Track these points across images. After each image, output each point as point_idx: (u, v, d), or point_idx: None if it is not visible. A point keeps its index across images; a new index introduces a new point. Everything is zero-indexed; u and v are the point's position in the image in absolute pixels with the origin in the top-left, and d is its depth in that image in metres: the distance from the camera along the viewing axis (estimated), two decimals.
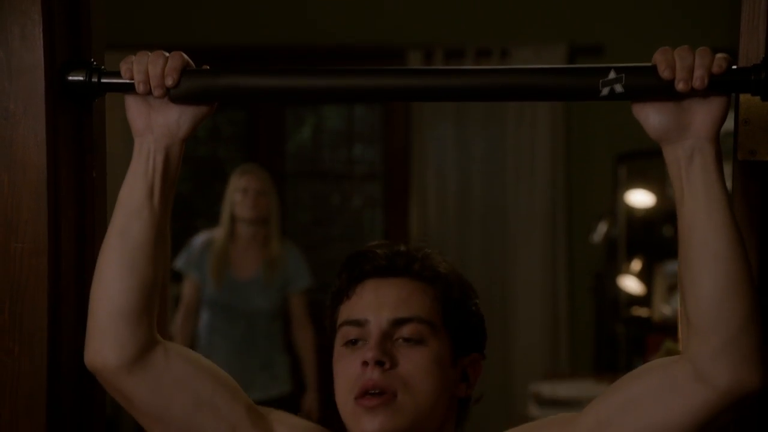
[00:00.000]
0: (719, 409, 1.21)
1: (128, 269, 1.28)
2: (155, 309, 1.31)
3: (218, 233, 3.83)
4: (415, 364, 1.30)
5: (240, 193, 3.80)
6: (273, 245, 3.81)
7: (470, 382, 1.38)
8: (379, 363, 1.29)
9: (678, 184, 1.24)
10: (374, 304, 1.33)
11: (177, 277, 5.08)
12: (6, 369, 1.34)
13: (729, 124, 1.30)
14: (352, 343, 1.33)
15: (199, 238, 3.88)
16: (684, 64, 1.21)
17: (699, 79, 1.21)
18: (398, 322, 1.32)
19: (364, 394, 1.29)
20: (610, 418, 1.26)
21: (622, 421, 1.25)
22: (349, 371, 1.31)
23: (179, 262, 3.82)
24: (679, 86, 1.21)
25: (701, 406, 1.21)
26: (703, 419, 1.22)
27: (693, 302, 1.22)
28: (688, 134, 1.23)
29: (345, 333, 1.34)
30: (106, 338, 1.28)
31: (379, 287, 1.34)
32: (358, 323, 1.33)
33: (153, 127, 1.31)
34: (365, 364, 1.29)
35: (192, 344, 3.77)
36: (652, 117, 1.24)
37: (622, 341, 4.82)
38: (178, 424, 1.31)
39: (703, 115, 1.23)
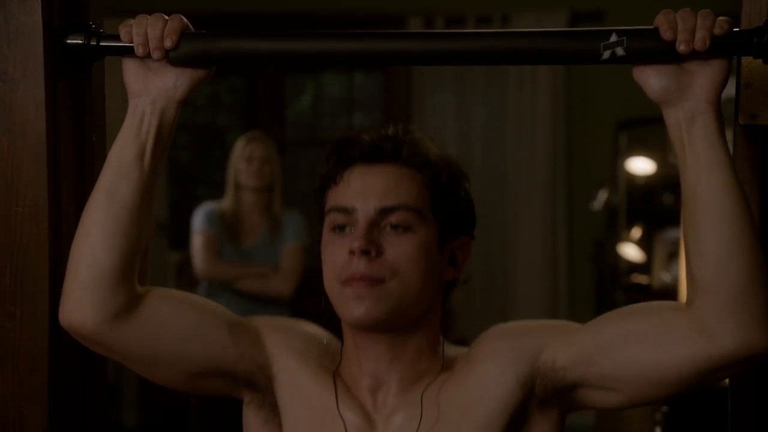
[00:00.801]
0: (722, 365, 1.21)
1: (113, 229, 1.28)
2: (136, 271, 1.31)
3: (225, 203, 3.83)
4: (401, 251, 1.31)
5: (244, 161, 3.80)
6: (275, 210, 3.82)
7: (458, 265, 1.38)
8: (365, 252, 1.30)
9: (680, 146, 1.24)
10: (361, 192, 1.33)
11: (175, 245, 5.08)
12: (8, 333, 1.35)
13: (730, 90, 1.29)
14: (339, 228, 1.33)
15: (205, 208, 3.87)
16: (686, 25, 1.21)
17: (701, 41, 1.20)
18: (385, 211, 1.32)
19: (351, 280, 1.30)
20: (609, 344, 1.27)
21: (620, 350, 1.26)
22: (337, 258, 1.32)
23: (196, 224, 3.80)
24: (681, 48, 1.21)
25: (703, 360, 1.21)
26: (703, 371, 1.23)
27: (698, 261, 1.22)
28: (689, 96, 1.23)
29: (332, 219, 1.34)
30: (86, 296, 1.27)
31: (366, 174, 1.34)
32: (346, 210, 1.33)
33: (150, 89, 1.31)
34: (352, 253, 1.30)
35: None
36: (652, 79, 1.24)
37: None
38: (169, 361, 1.33)
39: (704, 77, 1.22)
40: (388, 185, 1.33)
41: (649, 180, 4.97)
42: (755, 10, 1.31)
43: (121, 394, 5.12)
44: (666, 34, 1.21)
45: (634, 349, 1.25)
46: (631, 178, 4.98)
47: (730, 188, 1.20)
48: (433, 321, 1.36)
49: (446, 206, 1.36)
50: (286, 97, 5.49)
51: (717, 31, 1.21)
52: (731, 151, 1.26)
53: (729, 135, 1.31)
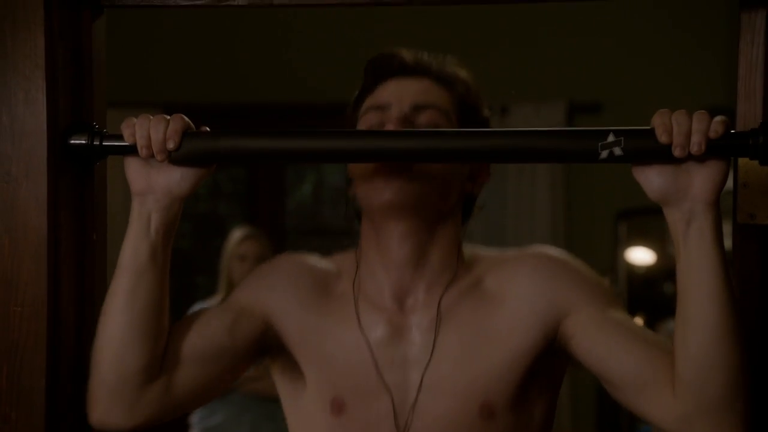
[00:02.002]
0: None
1: (137, 330, 1.29)
2: (161, 359, 1.32)
3: (218, 300, 3.82)
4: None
5: (238, 260, 3.81)
6: None
7: (477, 181, 1.45)
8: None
9: (677, 246, 1.25)
10: (396, 92, 1.40)
11: None
12: None
13: (729, 182, 1.30)
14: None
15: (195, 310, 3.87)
16: (681, 129, 1.22)
17: (696, 145, 1.21)
18: (418, 107, 1.38)
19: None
20: (608, 363, 1.31)
21: (613, 373, 1.31)
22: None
23: None
24: (676, 152, 1.22)
25: (668, 428, 1.25)
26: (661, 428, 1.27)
27: (682, 360, 1.24)
28: (687, 197, 1.23)
29: (367, 119, 1.39)
30: (116, 399, 1.29)
31: (401, 81, 1.41)
32: (380, 107, 1.39)
33: (154, 188, 1.32)
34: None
35: None
36: (651, 179, 1.25)
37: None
38: (209, 387, 1.36)
39: (702, 179, 1.23)
40: (420, 89, 1.40)
41: (649, 270, 4.96)
42: (750, 111, 1.33)
43: None
44: (662, 138, 1.22)
45: (622, 383, 1.29)
46: (632, 268, 4.97)
47: (717, 296, 1.21)
48: (455, 228, 1.40)
49: (471, 121, 1.42)
50: (287, 187, 5.52)
51: (712, 135, 1.21)
52: (729, 246, 1.27)
53: (728, 228, 1.32)
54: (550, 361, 1.37)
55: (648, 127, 1.25)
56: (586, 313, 1.34)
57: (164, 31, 4.97)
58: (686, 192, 1.23)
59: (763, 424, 1.30)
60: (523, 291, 1.36)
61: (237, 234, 3.89)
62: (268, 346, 1.40)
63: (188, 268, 5.59)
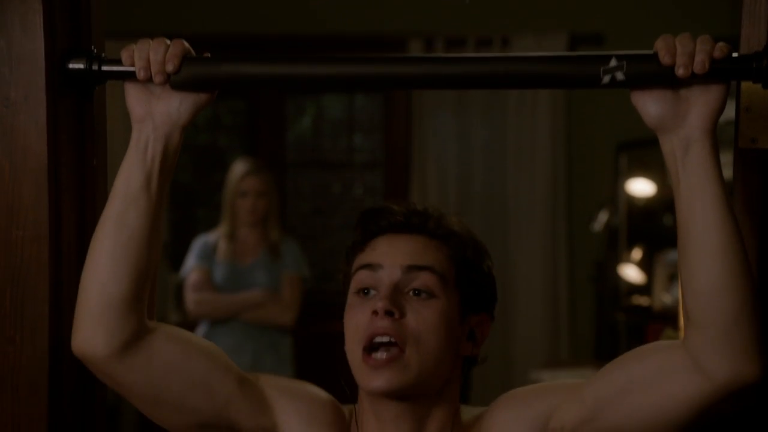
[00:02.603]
0: (716, 399, 1.22)
1: (122, 257, 1.28)
2: (146, 297, 1.31)
3: (222, 231, 3.86)
4: (423, 318, 1.32)
5: (239, 196, 3.83)
6: (273, 235, 3.86)
7: (477, 341, 1.39)
8: (388, 313, 1.30)
9: (674, 175, 1.24)
10: (388, 252, 1.35)
11: (176, 266, 5.10)
12: (8, 357, 1.35)
13: (730, 112, 1.29)
14: (364, 292, 1.34)
15: (198, 243, 3.90)
16: (685, 50, 1.21)
17: (700, 64, 1.20)
18: (411, 269, 1.33)
19: (372, 340, 1.30)
20: (610, 400, 1.28)
21: (620, 404, 1.27)
22: (359, 320, 1.32)
23: (189, 264, 3.84)
24: (680, 72, 1.21)
25: (697, 395, 1.22)
26: (698, 408, 1.23)
27: (690, 295, 1.23)
28: (684, 124, 1.23)
29: (359, 279, 1.35)
30: (97, 326, 1.27)
31: (394, 240, 1.36)
32: (372, 267, 1.34)
33: (153, 115, 1.31)
34: (375, 313, 1.31)
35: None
36: (649, 105, 1.24)
37: (623, 330, 4.83)
38: (173, 405, 1.32)
39: (700, 105, 1.22)
40: (415, 249, 1.35)
41: (649, 201, 4.97)
42: (754, 35, 1.32)
43: (121, 417, 5.10)
44: (665, 59, 1.22)
45: (633, 400, 1.26)
46: (632, 200, 4.98)
47: (721, 223, 1.21)
48: (453, 395, 1.37)
49: (469, 279, 1.37)
50: (287, 119, 5.50)
51: (716, 54, 1.21)
52: (730, 174, 1.27)
53: (728, 157, 1.32)
54: None
55: (649, 52, 1.24)
56: (568, 399, 1.31)
57: None
58: (684, 118, 1.23)
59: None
60: (501, 425, 1.34)
61: (238, 168, 3.90)
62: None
63: (188, 201, 5.60)
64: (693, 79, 1.22)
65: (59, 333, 1.36)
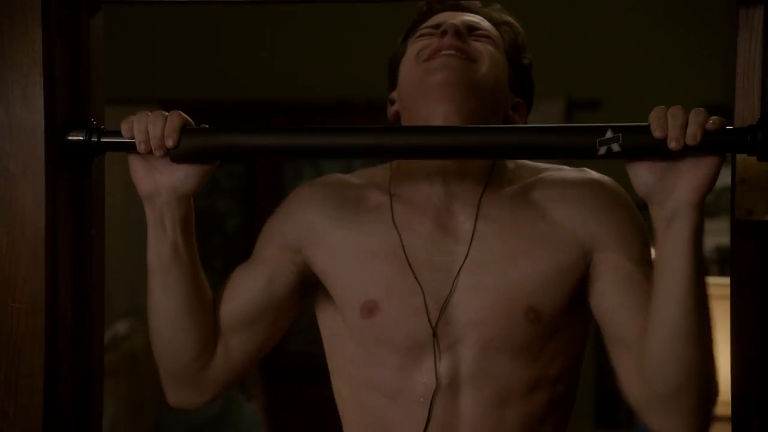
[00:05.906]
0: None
1: (182, 325, 1.35)
2: (214, 345, 1.38)
3: None
4: (487, 51, 1.38)
5: None
6: None
7: (520, 113, 1.43)
8: (457, 33, 1.35)
9: (657, 243, 1.27)
10: (451, 16, 1.40)
11: None
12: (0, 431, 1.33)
13: (726, 180, 1.30)
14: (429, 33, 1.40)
15: None
16: (676, 122, 1.22)
17: (692, 136, 1.21)
18: (472, 28, 1.39)
19: (437, 53, 1.35)
20: (602, 308, 1.34)
21: (604, 313, 1.34)
22: (424, 43, 1.39)
23: None
24: (671, 144, 1.22)
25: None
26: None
27: (644, 348, 1.27)
28: (671, 197, 1.24)
29: (418, 43, 1.40)
30: (184, 385, 1.39)
31: (456, 14, 1.42)
32: (434, 26, 1.39)
33: (159, 189, 1.33)
34: (443, 33, 1.36)
35: None
36: (640, 174, 1.25)
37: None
38: (284, 330, 1.42)
39: (689, 178, 1.23)
40: (475, 20, 1.41)
41: None
42: (748, 108, 1.33)
43: None
44: (655, 132, 1.22)
45: (617, 343, 1.33)
46: None
47: (682, 300, 1.23)
48: None
49: (517, 58, 1.42)
50: (285, 183, 5.52)
51: (710, 126, 1.22)
52: (726, 243, 1.27)
53: (725, 225, 1.32)
54: (583, 296, 1.36)
55: (645, 124, 1.25)
56: (617, 259, 1.33)
57: (162, 28, 4.98)
58: (671, 191, 1.23)
59: (765, 423, 1.31)
60: (569, 212, 1.35)
61: None
62: (307, 289, 1.42)
63: None
64: (686, 151, 1.22)
65: (54, 408, 1.34)
